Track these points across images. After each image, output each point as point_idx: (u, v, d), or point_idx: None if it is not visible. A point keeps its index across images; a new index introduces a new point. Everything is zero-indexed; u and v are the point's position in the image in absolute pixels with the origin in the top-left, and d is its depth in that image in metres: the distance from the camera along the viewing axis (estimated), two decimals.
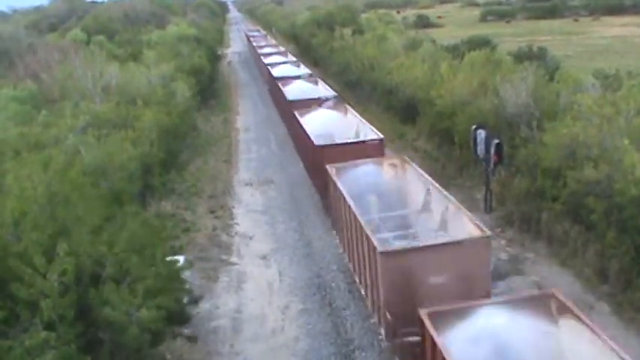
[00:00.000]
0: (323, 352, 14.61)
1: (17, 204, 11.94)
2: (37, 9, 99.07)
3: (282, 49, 60.36)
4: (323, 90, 33.42)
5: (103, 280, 11.17)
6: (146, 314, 10.90)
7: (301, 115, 26.57)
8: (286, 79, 37.11)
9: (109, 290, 10.92)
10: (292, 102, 30.03)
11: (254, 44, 68.50)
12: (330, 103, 28.79)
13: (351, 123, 25.63)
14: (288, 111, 31.08)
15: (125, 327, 10.79)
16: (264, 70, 49.97)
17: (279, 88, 35.33)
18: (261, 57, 53.33)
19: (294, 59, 49.56)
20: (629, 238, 15.01)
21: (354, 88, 42.14)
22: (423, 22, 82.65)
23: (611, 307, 15.17)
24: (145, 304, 10.95)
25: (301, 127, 25.27)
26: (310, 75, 39.06)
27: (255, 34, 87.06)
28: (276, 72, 42.17)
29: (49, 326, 10.19)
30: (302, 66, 45.33)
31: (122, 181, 18.70)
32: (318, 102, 28.91)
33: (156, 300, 11.21)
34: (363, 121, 24.95)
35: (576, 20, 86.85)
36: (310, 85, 35.57)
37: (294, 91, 33.55)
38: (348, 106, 28.01)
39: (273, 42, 71.75)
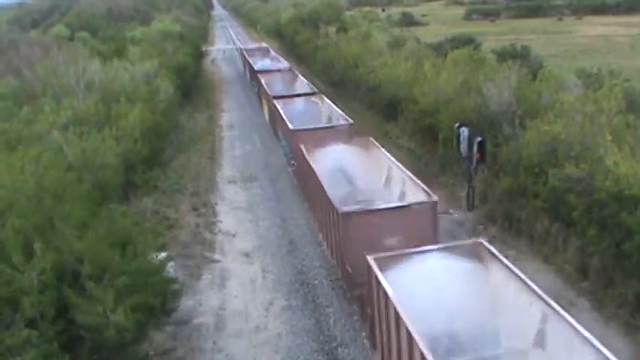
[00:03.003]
0: (306, 349, 14.63)
1: (5, 194, 11.89)
2: (20, 5, 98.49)
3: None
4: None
5: (82, 278, 11.10)
6: (122, 318, 10.79)
7: None
8: None
9: (88, 291, 10.85)
10: None
11: (281, 111, 27.75)
12: None
13: None
14: None
15: (102, 330, 10.72)
16: None
17: None
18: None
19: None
20: (609, 235, 15.13)
21: (337, 85, 42.16)
22: (408, 20, 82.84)
23: (591, 303, 15.30)
24: (121, 303, 10.86)
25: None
26: None
27: (265, 65, 44.98)
28: None
29: (31, 324, 10.13)
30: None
31: (105, 178, 18.63)
32: None
33: (134, 297, 11.15)
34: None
35: (560, 19, 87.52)
36: None
37: None
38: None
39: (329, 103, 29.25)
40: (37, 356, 9.79)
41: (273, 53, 53.42)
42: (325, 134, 23.24)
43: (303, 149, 20.78)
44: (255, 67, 43.98)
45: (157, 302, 12.30)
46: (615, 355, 9.06)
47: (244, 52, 55.57)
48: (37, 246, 10.63)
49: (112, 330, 10.70)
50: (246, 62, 51.92)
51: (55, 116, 22.07)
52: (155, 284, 12.46)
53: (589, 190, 15.90)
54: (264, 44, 62.10)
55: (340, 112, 26.77)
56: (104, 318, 10.72)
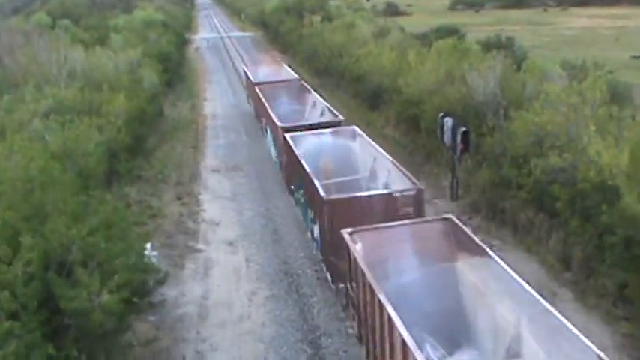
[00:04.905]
0: (289, 338, 14.60)
1: None
2: None
3: None
4: None
5: (69, 264, 11.02)
6: (108, 298, 10.77)
7: None
8: None
9: (74, 278, 10.79)
10: None
11: None
12: None
13: None
14: None
15: (88, 313, 10.67)
16: None
17: None
18: None
19: None
20: (591, 226, 15.19)
21: (322, 75, 42.08)
22: (392, 10, 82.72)
23: (574, 293, 15.38)
24: (107, 285, 10.82)
25: None
26: None
27: (327, 154, 19.72)
28: None
29: (13, 315, 10.02)
30: None
31: (88, 167, 18.48)
32: None
33: (120, 276, 11.09)
34: None
35: (545, 10, 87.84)
36: None
37: None
38: None
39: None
40: (20, 347, 9.70)
41: (316, 97, 28.22)
42: None
43: None
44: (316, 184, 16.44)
45: (140, 281, 12.30)
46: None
47: (258, 91, 29.88)
48: (25, 238, 10.54)
49: (98, 313, 10.63)
50: (269, 123, 26.57)
51: (36, 104, 21.81)
52: (137, 264, 12.46)
53: (573, 181, 15.96)
54: (294, 73, 35.06)
55: None
56: (89, 302, 10.66)
